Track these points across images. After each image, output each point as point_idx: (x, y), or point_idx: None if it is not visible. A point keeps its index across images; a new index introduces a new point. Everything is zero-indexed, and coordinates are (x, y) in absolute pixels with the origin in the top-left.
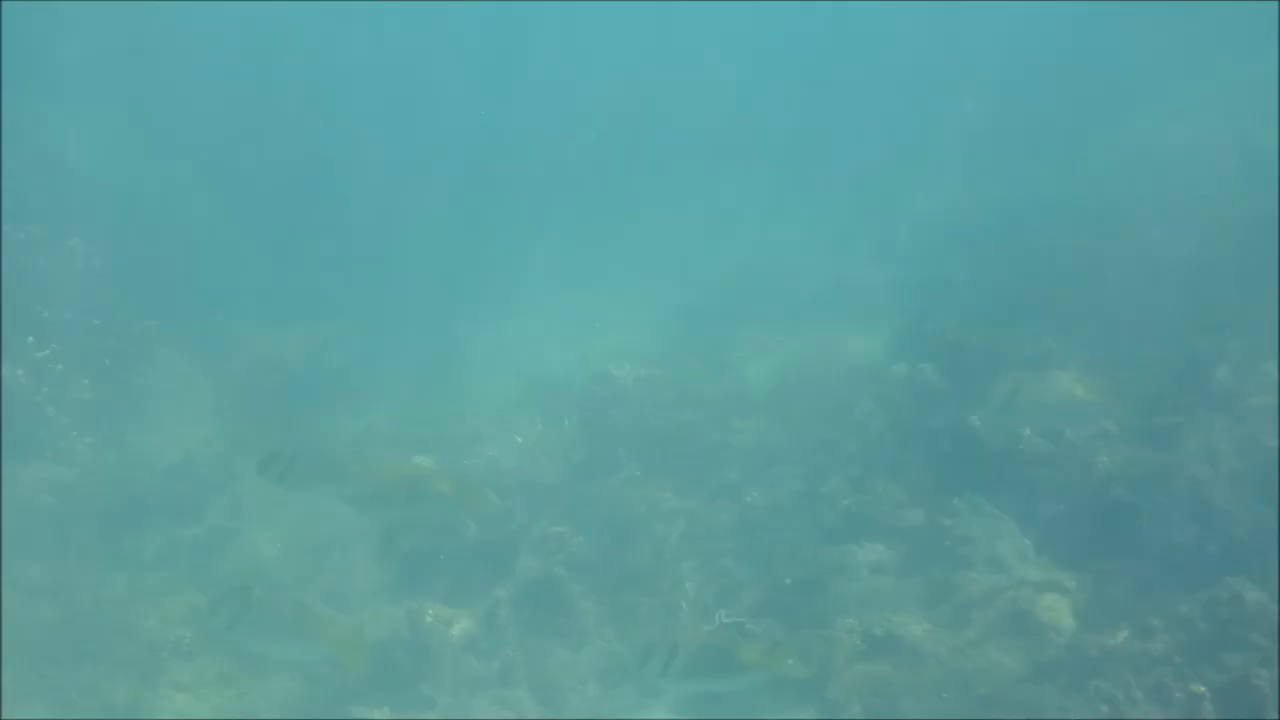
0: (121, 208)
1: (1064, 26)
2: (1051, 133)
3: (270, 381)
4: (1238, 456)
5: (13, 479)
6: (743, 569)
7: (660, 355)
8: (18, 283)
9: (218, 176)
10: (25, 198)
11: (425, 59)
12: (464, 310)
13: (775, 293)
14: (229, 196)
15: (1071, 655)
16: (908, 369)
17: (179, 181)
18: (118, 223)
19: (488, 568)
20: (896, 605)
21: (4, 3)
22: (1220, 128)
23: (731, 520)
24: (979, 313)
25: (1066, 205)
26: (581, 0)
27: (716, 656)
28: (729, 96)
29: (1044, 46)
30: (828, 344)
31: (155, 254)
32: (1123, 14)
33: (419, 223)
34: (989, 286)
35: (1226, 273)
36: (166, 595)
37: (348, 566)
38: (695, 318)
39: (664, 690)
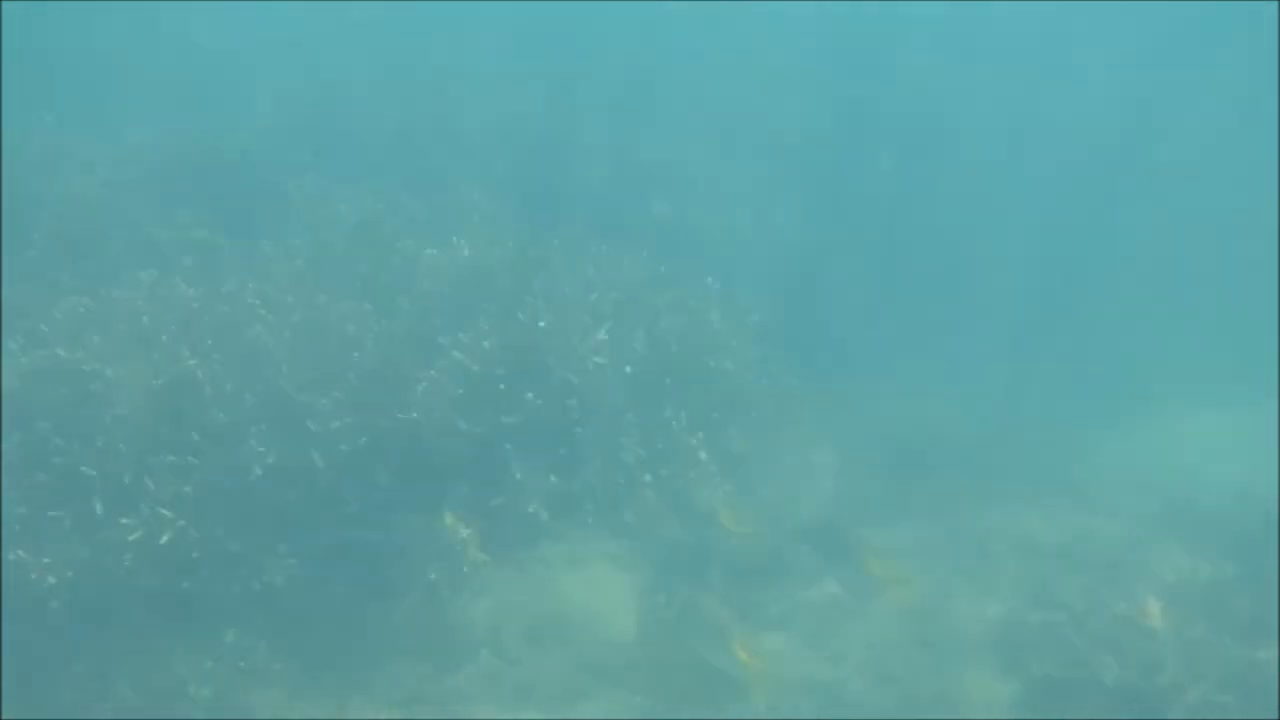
0: (779, 263)
1: None
2: None
3: (892, 452)
4: None
5: (661, 515)
6: None
7: None
8: (692, 330)
9: (865, 230)
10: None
11: None
12: (1096, 401)
13: None
14: (874, 251)
15: None
16: None
17: (826, 236)
18: (776, 279)
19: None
20: None
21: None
22: None
23: None
24: None
25: None
26: None
27: None
28: None
29: None
30: None
31: (802, 310)
32: None
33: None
34: None
35: None
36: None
37: (968, 673)
38: None
39: None
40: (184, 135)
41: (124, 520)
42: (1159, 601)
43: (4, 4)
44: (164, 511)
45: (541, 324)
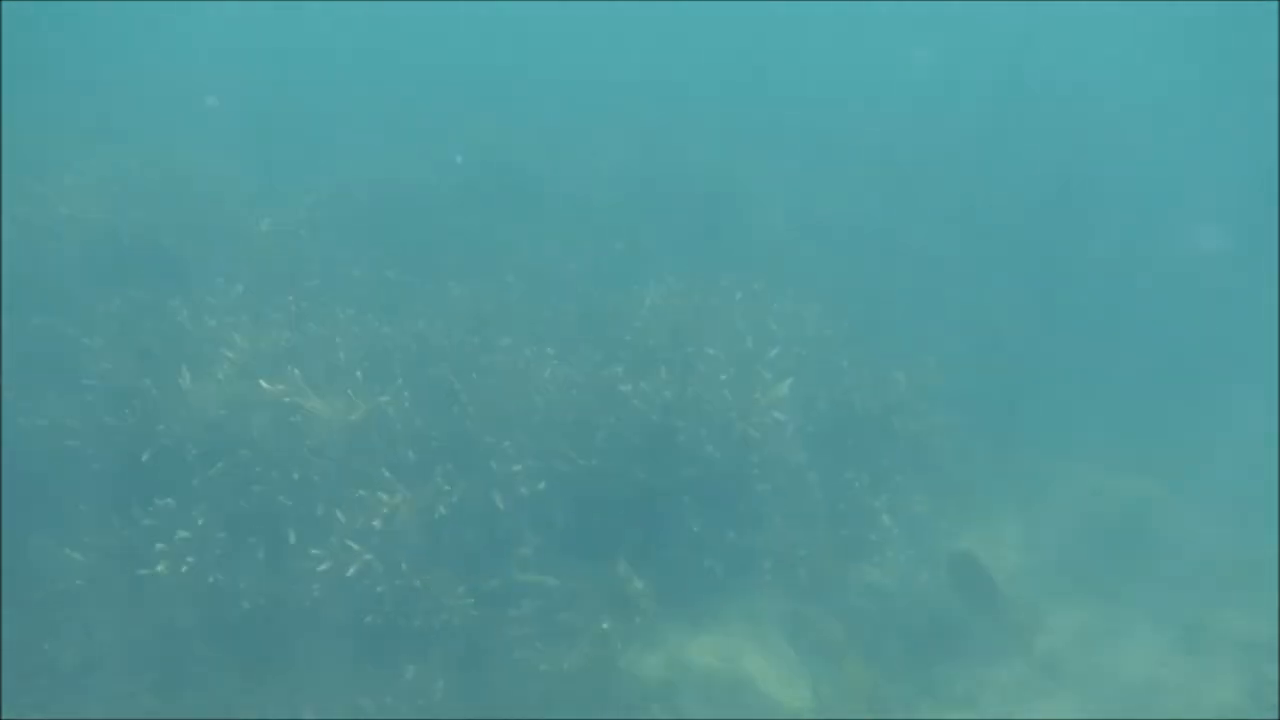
0: (967, 324)
1: None
2: None
3: (1084, 529)
4: None
5: (840, 579)
6: None
7: None
8: (877, 389)
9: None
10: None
11: None
12: None
13: None
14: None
15: None
16: None
17: (1017, 296)
18: (965, 339)
19: None
20: None
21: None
22: None
23: None
24: None
25: None
26: None
27: None
28: None
29: None
30: None
31: (990, 373)
32: None
33: None
34: None
35: None
36: None
37: None
38: None
39: None
40: (378, 177)
41: (314, 551)
42: None
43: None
44: (352, 545)
45: (723, 377)
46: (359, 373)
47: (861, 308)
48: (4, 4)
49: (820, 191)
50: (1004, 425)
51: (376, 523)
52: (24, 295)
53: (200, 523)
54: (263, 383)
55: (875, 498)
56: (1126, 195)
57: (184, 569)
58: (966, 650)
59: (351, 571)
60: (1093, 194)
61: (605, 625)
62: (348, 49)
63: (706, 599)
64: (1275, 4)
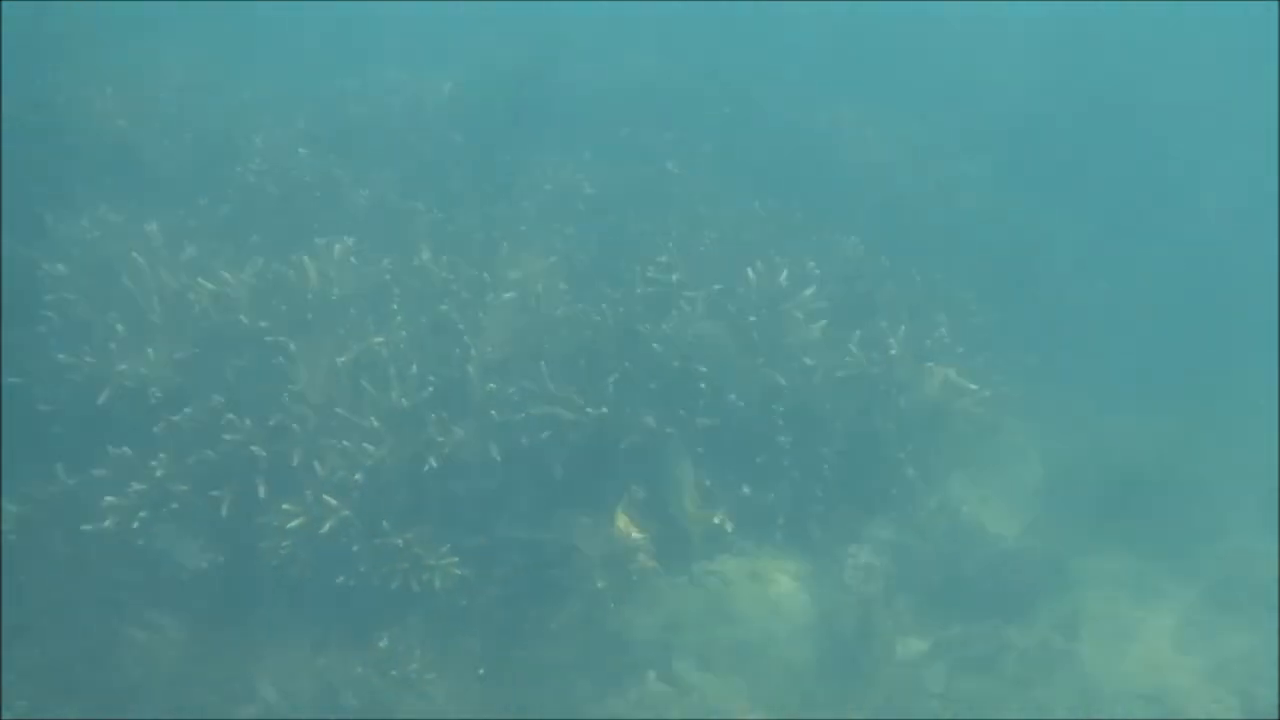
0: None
1: None
2: None
3: (1104, 473)
4: None
5: (858, 534)
6: None
7: None
8: (912, 334)
9: None
10: None
11: None
12: None
13: None
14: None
15: None
16: None
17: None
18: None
19: None
20: None
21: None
22: None
23: None
24: None
25: None
26: None
27: None
28: None
29: None
30: None
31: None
32: None
33: None
34: None
35: None
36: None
37: None
38: None
39: None
40: (389, 86)
41: (286, 506)
42: None
43: None
44: (329, 499)
45: (752, 318)
46: (353, 310)
47: (893, 239)
48: None
49: None
50: (1027, 360)
51: (359, 476)
52: None
53: (159, 474)
54: (243, 318)
55: (900, 449)
56: None
57: (135, 524)
58: (986, 610)
59: (326, 528)
60: None
61: (600, 584)
62: None
63: (711, 556)
64: None
